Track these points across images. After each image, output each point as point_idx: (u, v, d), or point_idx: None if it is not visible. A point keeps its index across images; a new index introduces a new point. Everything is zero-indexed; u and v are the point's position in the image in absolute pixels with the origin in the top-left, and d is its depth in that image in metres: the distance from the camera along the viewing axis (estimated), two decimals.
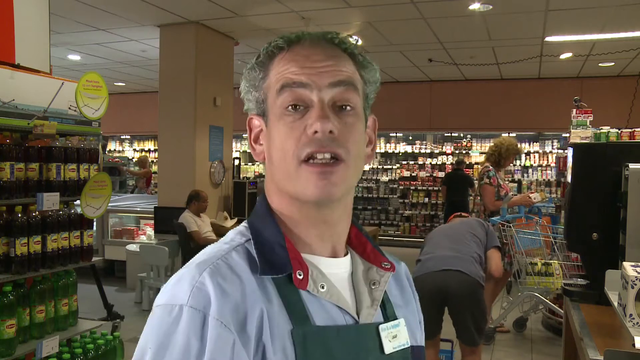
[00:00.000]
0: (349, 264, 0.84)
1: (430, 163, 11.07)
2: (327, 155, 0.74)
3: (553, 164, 10.29)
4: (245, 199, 7.16)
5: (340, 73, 0.77)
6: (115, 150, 13.61)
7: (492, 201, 5.01)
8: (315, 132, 0.73)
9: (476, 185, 5.68)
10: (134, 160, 12.91)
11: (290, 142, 0.75)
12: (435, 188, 10.72)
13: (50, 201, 2.58)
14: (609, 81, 9.41)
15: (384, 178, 11.36)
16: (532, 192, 5.28)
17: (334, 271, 0.81)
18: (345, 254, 0.85)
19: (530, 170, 10.60)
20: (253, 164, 12.46)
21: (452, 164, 10.59)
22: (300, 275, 0.75)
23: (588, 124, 4.80)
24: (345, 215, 0.83)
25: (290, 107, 0.75)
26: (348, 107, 0.77)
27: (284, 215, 0.81)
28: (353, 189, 0.83)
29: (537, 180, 10.46)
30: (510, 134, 10.03)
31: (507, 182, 5.95)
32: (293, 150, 0.74)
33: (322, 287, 0.77)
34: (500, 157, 5.14)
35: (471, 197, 9.88)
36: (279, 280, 0.75)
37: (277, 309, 0.73)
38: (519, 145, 5.33)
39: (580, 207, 2.36)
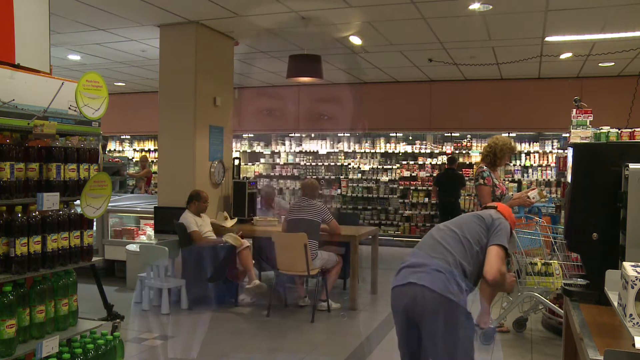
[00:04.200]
0: None
1: (430, 163, 11.07)
2: None
3: (553, 164, 10.29)
4: (245, 199, 7.15)
5: None
6: (115, 150, 13.60)
7: (489, 202, 5.01)
8: None
9: (473, 186, 5.68)
10: (134, 160, 12.92)
11: None
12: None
13: (50, 201, 2.58)
14: (609, 81, 9.41)
15: (384, 178, 11.36)
16: (532, 190, 5.21)
17: None
18: None
19: (530, 170, 10.59)
20: (253, 164, 12.43)
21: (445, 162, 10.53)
22: None
23: (588, 124, 4.81)
24: None
25: None
26: None
27: None
28: None
29: (537, 180, 10.45)
30: (510, 134, 10.04)
31: (506, 182, 5.93)
32: None
33: None
34: (495, 157, 5.13)
35: (468, 197, 9.88)
36: None
37: None
38: (513, 144, 5.30)
39: (580, 207, 2.36)
